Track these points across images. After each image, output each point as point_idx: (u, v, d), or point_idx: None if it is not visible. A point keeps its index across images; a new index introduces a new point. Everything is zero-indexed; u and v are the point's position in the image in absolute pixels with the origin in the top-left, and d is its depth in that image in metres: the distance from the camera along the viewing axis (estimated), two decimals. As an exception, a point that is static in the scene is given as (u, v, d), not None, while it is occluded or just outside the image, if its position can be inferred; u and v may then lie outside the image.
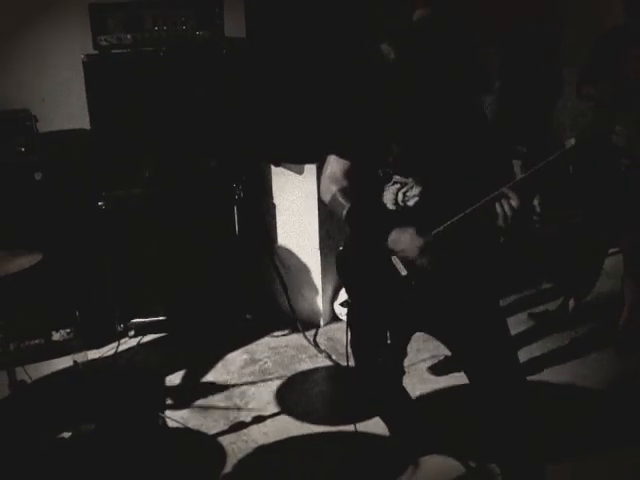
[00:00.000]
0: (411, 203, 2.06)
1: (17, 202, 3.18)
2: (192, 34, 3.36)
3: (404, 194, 2.07)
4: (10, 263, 2.43)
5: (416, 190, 2.05)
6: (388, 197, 2.09)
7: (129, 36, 3.30)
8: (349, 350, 2.23)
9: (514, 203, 1.89)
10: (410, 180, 2.06)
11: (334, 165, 2.18)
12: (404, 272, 2.03)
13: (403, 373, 2.46)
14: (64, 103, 3.54)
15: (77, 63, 3.28)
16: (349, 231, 2.21)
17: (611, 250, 3.59)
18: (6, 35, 3.44)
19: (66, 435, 2.66)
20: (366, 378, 2.35)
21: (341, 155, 2.17)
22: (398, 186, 2.07)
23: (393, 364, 2.35)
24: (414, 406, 2.69)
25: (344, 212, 2.11)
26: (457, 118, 2.06)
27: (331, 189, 2.16)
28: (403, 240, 2.00)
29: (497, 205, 1.91)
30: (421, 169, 2.05)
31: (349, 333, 2.22)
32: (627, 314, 3.31)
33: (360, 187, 2.15)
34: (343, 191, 2.13)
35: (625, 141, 3.00)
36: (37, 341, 3.32)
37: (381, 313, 2.13)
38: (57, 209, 3.28)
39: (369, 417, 2.69)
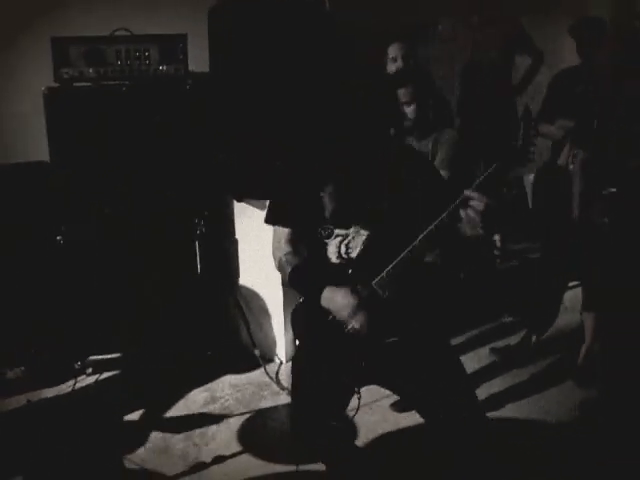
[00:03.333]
0: (354, 254, 2.08)
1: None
2: (155, 69, 3.36)
3: (346, 246, 2.09)
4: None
5: (357, 240, 2.08)
6: (332, 250, 2.11)
7: (91, 70, 3.29)
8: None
9: (478, 204, 1.86)
10: (351, 231, 2.09)
11: (278, 232, 2.22)
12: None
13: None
14: (24, 135, 3.49)
15: (38, 95, 3.25)
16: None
17: (570, 284, 3.65)
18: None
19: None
20: (313, 419, 2.30)
21: (276, 223, 2.21)
22: (340, 238, 2.10)
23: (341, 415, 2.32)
24: (358, 450, 2.66)
25: (286, 278, 2.16)
26: (388, 162, 2.10)
27: (277, 255, 2.21)
28: (336, 300, 2.02)
29: (462, 212, 1.89)
30: (358, 219, 2.08)
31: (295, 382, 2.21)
32: (587, 347, 3.36)
33: (302, 251, 2.19)
34: (286, 257, 2.17)
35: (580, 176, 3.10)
36: (-11, 380, 3.23)
37: (333, 369, 2.11)
38: (14, 243, 3.21)
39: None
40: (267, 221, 2.22)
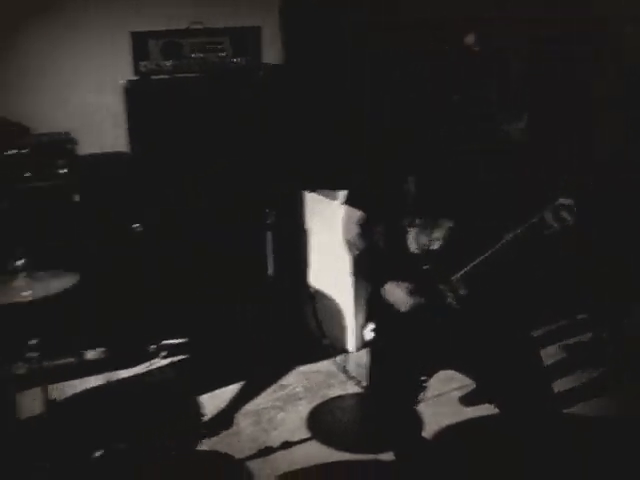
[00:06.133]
0: (435, 246, 2.06)
1: (56, 223, 3.25)
2: (229, 61, 3.43)
3: (427, 237, 2.07)
4: (48, 284, 2.47)
5: (439, 233, 2.05)
6: (411, 241, 2.09)
7: (168, 63, 3.39)
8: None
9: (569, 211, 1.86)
10: (433, 222, 2.06)
11: (350, 212, 2.22)
12: None
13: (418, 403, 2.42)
14: (104, 126, 3.62)
15: (117, 87, 3.37)
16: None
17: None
18: (49, 56, 3.54)
19: (97, 454, 2.67)
20: (385, 407, 2.31)
21: (352, 204, 2.21)
22: (421, 229, 2.07)
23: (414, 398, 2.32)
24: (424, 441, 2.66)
25: (352, 260, 2.16)
26: (476, 154, 2.07)
27: (346, 236, 2.22)
28: (394, 295, 2.03)
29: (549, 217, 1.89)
30: (442, 211, 2.05)
31: (373, 362, 2.22)
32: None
33: (372, 235, 2.20)
34: (354, 239, 2.19)
35: None
36: (71, 359, 3.36)
37: (408, 355, 2.11)
38: (94, 230, 3.35)
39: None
40: (345, 201, 2.23)
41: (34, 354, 2.65)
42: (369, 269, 2.19)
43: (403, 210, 2.09)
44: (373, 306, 2.21)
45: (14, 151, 3.21)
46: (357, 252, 2.17)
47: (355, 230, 2.19)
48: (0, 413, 2.50)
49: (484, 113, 3.31)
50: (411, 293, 2.01)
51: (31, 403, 2.81)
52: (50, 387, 2.72)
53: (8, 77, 3.48)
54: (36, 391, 2.73)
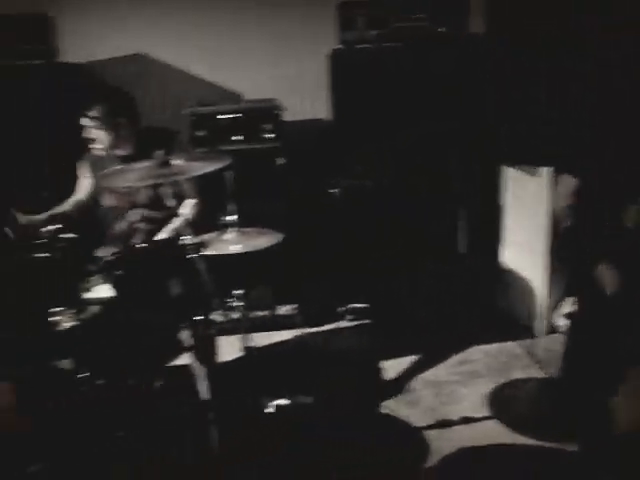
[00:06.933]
0: None
1: (261, 184, 3.46)
2: (433, 30, 3.40)
3: None
4: (255, 240, 2.65)
5: None
6: (629, 216, 1.97)
7: (372, 32, 3.43)
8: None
9: None
10: None
11: (564, 181, 2.13)
12: None
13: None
14: (305, 94, 3.77)
15: (319, 56, 3.48)
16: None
17: None
18: (255, 25, 3.74)
19: (284, 403, 2.84)
20: (578, 396, 2.22)
21: (569, 173, 2.09)
22: None
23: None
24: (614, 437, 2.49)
25: (562, 230, 2.05)
26: None
27: (559, 204, 2.14)
28: (606, 276, 1.92)
29: None
30: None
31: (569, 347, 2.13)
32: None
33: (584, 207, 2.08)
34: (566, 209, 2.11)
35: None
36: (265, 312, 3.60)
37: (616, 336, 2.00)
38: (294, 192, 3.53)
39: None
40: (560, 170, 2.16)
41: (236, 304, 2.88)
42: (578, 244, 2.08)
43: (624, 185, 1.97)
44: (574, 284, 2.12)
45: (228, 116, 3.46)
46: (567, 225, 2.07)
47: (568, 201, 2.10)
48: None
49: None
50: (623, 274, 1.89)
51: (230, 349, 3.06)
52: (247, 336, 2.95)
53: (224, 52, 3.78)
54: (235, 338, 2.98)
